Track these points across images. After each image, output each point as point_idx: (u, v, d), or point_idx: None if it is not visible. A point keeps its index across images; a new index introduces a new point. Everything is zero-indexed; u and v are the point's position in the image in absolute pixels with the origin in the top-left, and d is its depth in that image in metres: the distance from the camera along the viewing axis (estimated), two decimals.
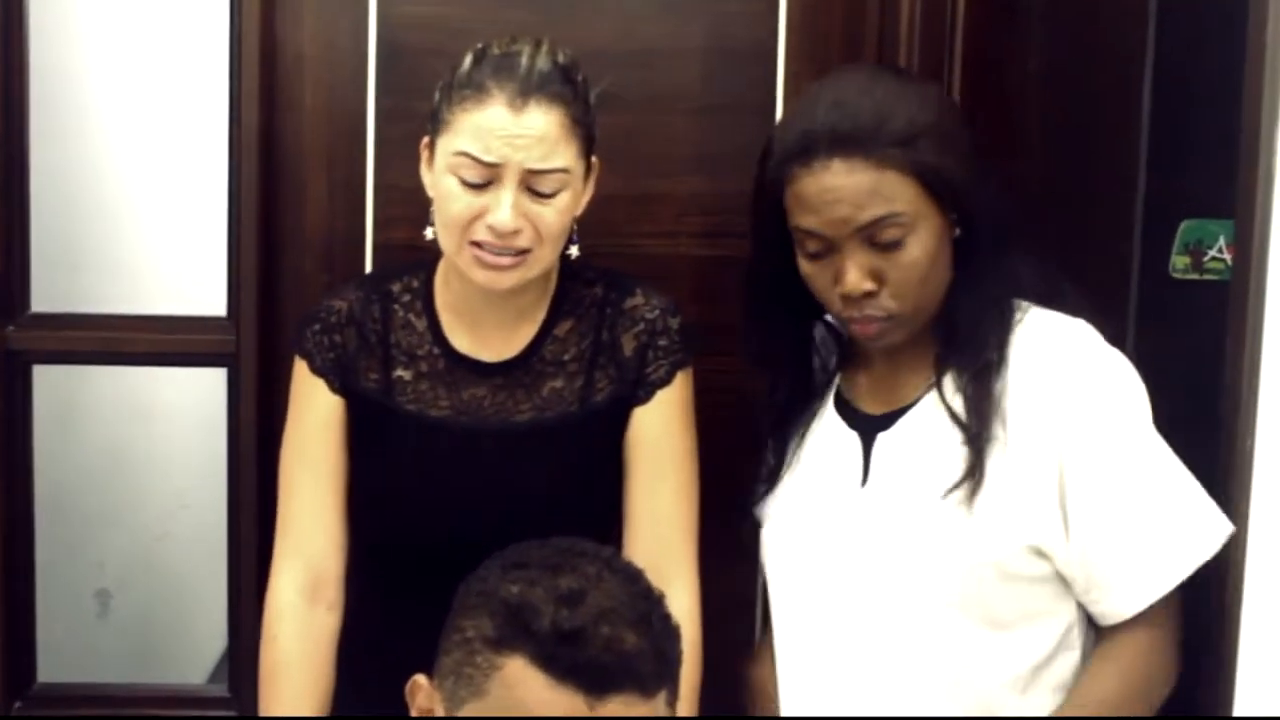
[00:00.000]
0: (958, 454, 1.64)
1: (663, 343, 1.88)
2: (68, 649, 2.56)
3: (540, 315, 1.88)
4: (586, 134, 1.77)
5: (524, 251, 1.74)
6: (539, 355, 1.87)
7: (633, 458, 1.88)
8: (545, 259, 1.79)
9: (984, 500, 1.62)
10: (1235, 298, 1.63)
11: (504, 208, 1.71)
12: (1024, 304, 1.70)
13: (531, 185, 1.72)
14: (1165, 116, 2.15)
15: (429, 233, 1.81)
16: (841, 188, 1.61)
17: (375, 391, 1.87)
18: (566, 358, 1.87)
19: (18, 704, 2.23)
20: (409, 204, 1.94)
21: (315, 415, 1.88)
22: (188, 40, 2.83)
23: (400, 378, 1.87)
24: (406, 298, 1.90)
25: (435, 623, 1.46)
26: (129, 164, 3.27)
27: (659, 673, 1.38)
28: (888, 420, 1.72)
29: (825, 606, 1.73)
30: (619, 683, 1.34)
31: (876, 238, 1.61)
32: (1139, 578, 1.62)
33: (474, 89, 1.72)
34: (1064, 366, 1.64)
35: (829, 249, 1.64)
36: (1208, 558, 1.62)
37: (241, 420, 2.19)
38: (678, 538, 1.86)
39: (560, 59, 1.75)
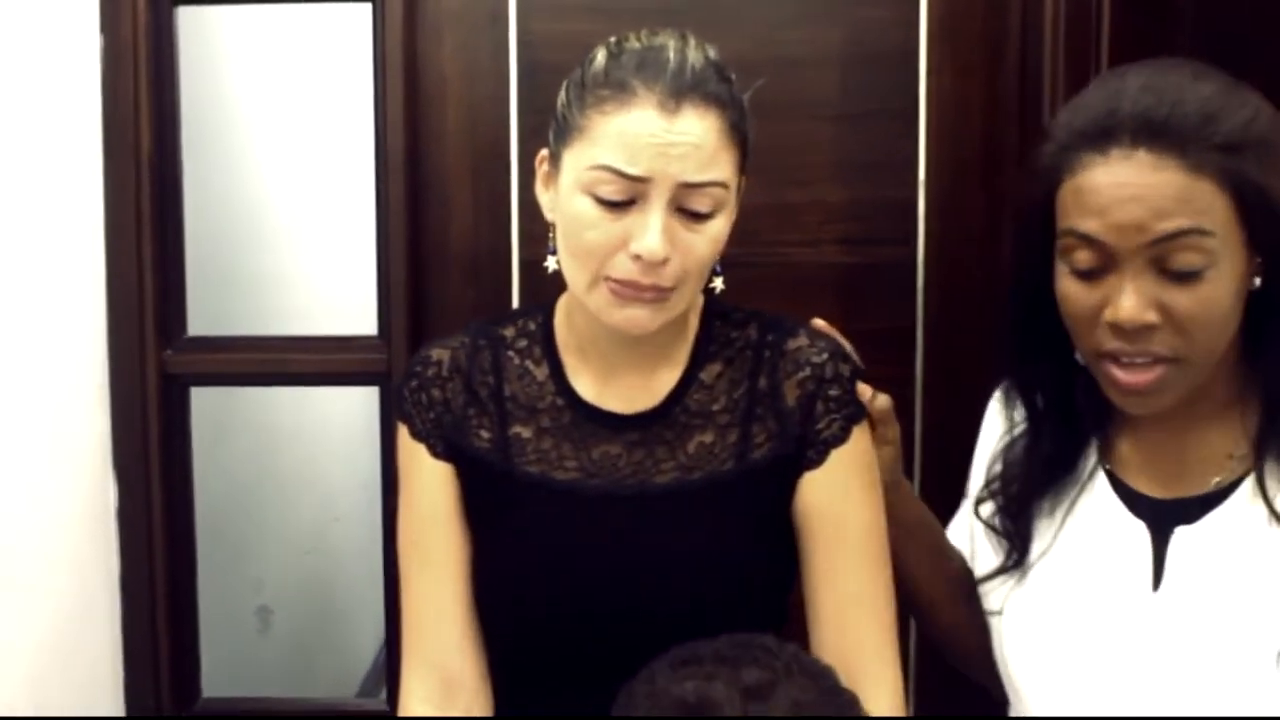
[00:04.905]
0: None
1: (834, 393, 1.55)
2: (229, 664, 2.61)
3: (682, 359, 1.58)
4: (743, 143, 1.48)
5: (666, 289, 1.45)
6: (682, 405, 1.56)
7: (809, 533, 1.55)
8: (688, 297, 1.50)
9: None
10: None
11: (652, 232, 1.41)
12: None
13: (684, 204, 1.43)
14: None
15: (550, 263, 1.55)
16: (1142, 184, 1.29)
17: (488, 453, 1.57)
18: (716, 408, 1.56)
19: (183, 718, 2.28)
20: None
21: (421, 490, 1.60)
22: (333, 64, 2.89)
23: (518, 435, 1.57)
24: (522, 343, 1.61)
25: None
26: (280, 188, 3.35)
27: None
28: (1185, 510, 1.40)
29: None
30: None
31: (1169, 260, 1.30)
32: None
33: (615, 88, 1.43)
34: None
35: (1105, 266, 1.33)
36: None
37: (394, 436, 2.21)
38: (871, 627, 1.54)
39: (711, 54, 1.47)
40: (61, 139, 2.07)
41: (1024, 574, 1.48)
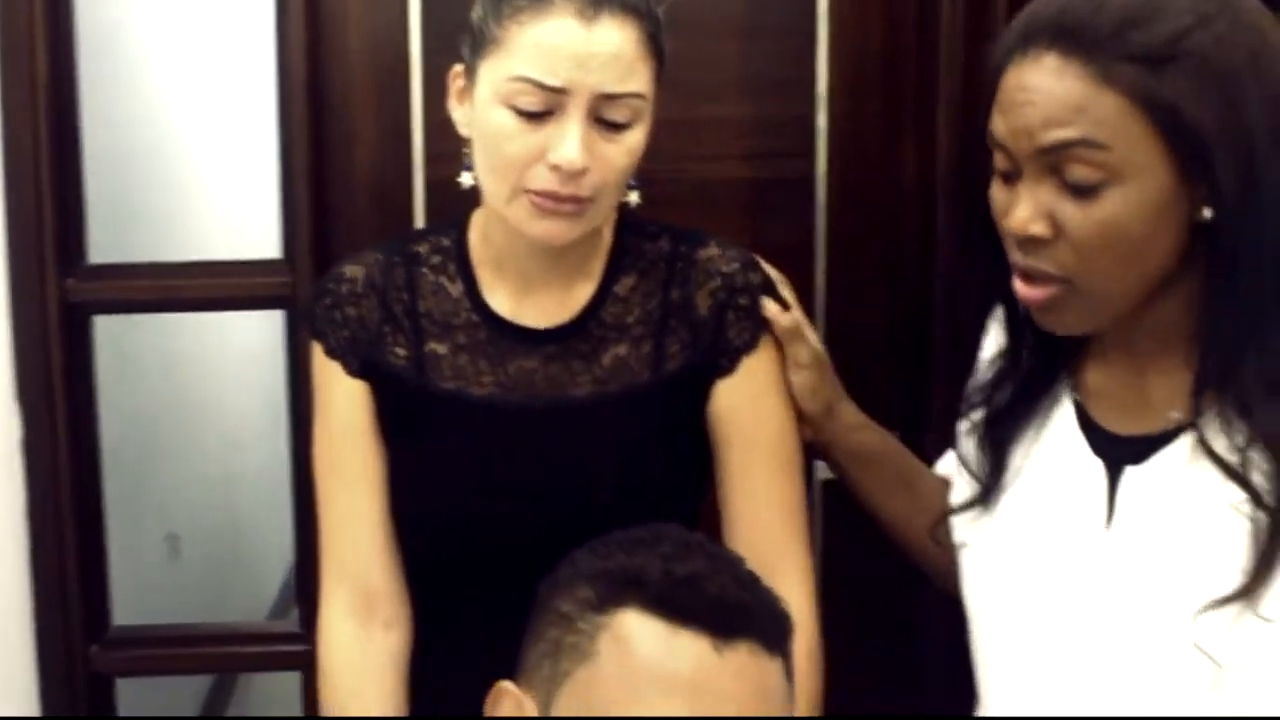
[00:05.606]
0: (1234, 521, 1.25)
1: (744, 301, 1.58)
2: (140, 592, 2.61)
3: (597, 272, 1.60)
4: (660, 55, 1.49)
5: (584, 200, 1.47)
6: (597, 319, 1.58)
7: (722, 439, 1.60)
8: (605, 209, 1.52)
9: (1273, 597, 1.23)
10: None
11: (570, 142, 1.42)
12: None
13: (602, 114, 1.44)
14: None
15: (466, 179, 1.56)
16: (1039, 90, 1.23)
17: (404, 370, 1.59)
18: (630, 320, 1.58)
19: (94, 647, 2.27)
20: (458, 140, 1.72)
21: (336, 408, 1.61)
22: None
23: (434, 351, 1.59)
24: (436, 259, 1.62)
25: (499, 640, 1.28)
26: (180, 113, 3.30)
27: (778, 637, 1.21)
28: (1137, 449, 1.33)
29: (1047, 662, 1.37)
30: (744, 627, 1.17)
31: (1064, 170, 1.23)
32: None
33: None
34: None
35: (1014, 170, 1.27)
36: None
37: (301, 359, 2.19)
38: (783, 526, 1.60)
39: None
40: None
41: (989, 507, 1.44)
